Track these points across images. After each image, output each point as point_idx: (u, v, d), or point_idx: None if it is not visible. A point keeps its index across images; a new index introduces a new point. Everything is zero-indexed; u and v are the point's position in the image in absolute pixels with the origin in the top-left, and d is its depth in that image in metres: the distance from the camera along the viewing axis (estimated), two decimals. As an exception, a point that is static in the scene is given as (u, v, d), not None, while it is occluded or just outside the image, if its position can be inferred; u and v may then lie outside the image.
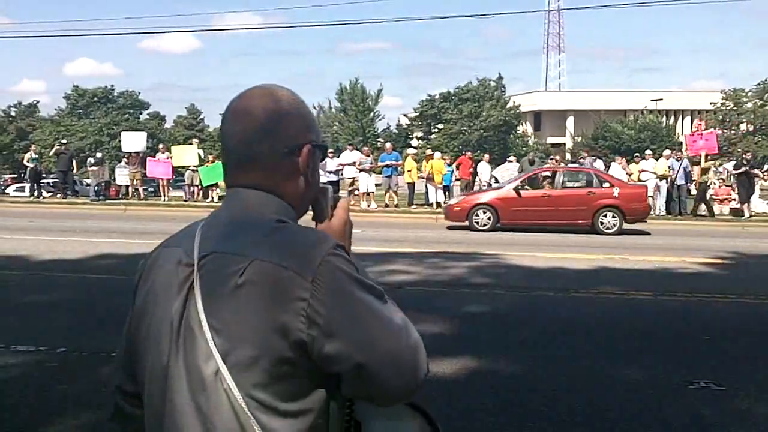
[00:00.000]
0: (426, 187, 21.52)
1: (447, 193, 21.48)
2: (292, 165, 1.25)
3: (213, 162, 21.84)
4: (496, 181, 21.06)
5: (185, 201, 22.10)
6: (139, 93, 59.74)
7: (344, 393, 1.16)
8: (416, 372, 1.15)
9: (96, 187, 22.77)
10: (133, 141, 24.01)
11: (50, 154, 24.87)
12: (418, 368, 1.15)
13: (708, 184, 20.17)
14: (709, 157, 20.37)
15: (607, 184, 16.32)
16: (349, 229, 1.32)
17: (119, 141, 25.03)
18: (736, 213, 20.33)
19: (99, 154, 24.78)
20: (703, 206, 19.97)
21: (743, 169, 19.70)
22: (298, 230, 1.19)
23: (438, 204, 20.57)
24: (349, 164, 20.80)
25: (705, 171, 19.84)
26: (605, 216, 15.65)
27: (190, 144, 24.61)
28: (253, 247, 1.13)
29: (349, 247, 1.28)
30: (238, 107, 1.26)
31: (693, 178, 20.34)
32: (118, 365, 1.33)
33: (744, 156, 20.81)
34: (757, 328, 6.89)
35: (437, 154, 22.35)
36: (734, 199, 21.28)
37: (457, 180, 22.42)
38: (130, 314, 1.28)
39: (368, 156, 21.55)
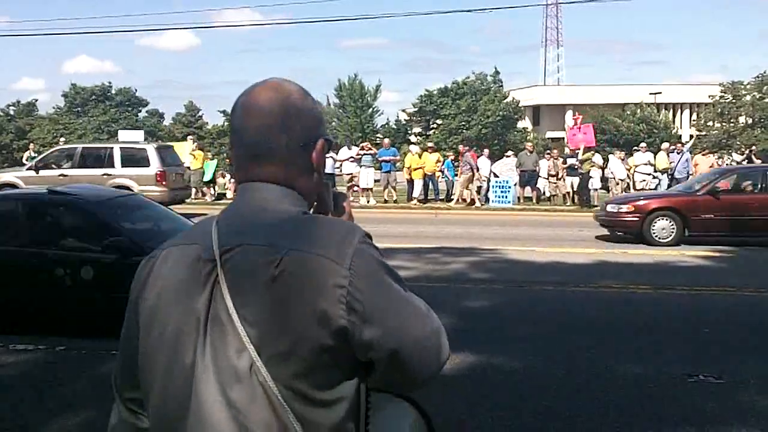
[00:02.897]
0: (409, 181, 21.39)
1: (433, 187, 21.52)
2: (307, 159, 1.25)
3: (211, 159, 21.93)
4: (496, 176, 21.06)
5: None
6: (137, 90, 59.75)
7: (373, 379, 1.17)
8: (439, 356, 1.18)
9: None
10: (131, 139, 23.98)
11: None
12: (442, 353, 1.18)
13: (589, 175, 20.26)
14: (591, 150, 20.51)
15: None
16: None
17: (117, 139, 24.98)
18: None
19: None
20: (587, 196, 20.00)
21: (758, 162, 19.58)
22: (327, 221, 1.23)
23: (425, 200, 20.63)
24: (347, 159, 20.76)
25: (583, 162, 19.96)
26: None
27: (188, 141, 24.60)
28: (285, 239, 1.13)
29: None
30: (252, 102, 1.25)
31: (692, 171, 20.35)
32: (120, 373, 1.28)
33: (751, 150, 20.69)
34: (757, 320, 6.90)
35: (415, 149, 22.39)
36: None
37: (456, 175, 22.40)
38: (132, 318, 1.23)
39: (370, 150, 21.51)
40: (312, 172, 1.27)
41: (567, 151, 24.22)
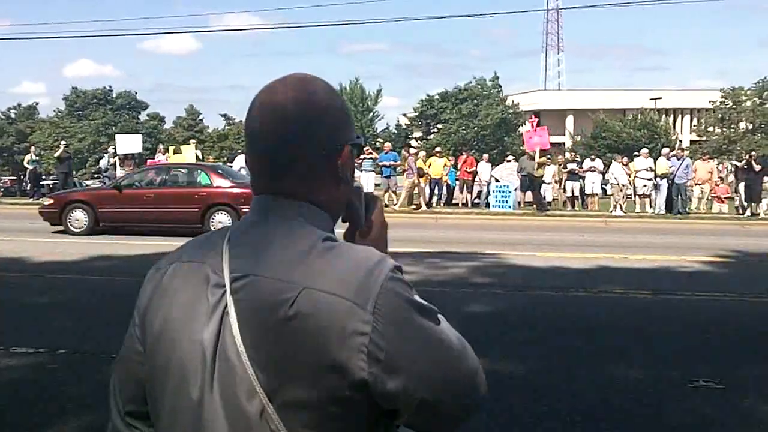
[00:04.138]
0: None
1: (439, 191, 21.55)
2: (332, 168, 1.11)
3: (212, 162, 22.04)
4: (497, 180, 21.09)
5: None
6: (137, 93, 59.84)
7: (400, 425, 1.09)
8: (476, 397, 1.08)
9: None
10: (128, 143, 23.98)
11: (55, 155, 24.88)
12: (478, 392, 1.07)
13: (542, 178, 20.31)
14: (547, 155, 20.69)
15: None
16: (385, 231, 1.24)
17: (115, 142, 24.98)
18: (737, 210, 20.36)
19: (111, 159, 24.38)
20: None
21: (758, 167, 19.52)
22: (351, 251, 1.05)
23: (428, 204, 20.65)
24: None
25: (541, 165, 20.09)
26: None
27: (189, 145, 24.62)
28: (301, 273, 1.00)
29: (386, 248, 1.21)
30: (269, 102, 1.10)
31: (691, 177, 20.37)
32: (119, 389, 1.19)
33: (751, 155, 20.61)
34: (757, 326, 6.89)
35: (421, 153, 22.47)
36: (731, 198, 21.34)
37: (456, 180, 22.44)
38: (136, 334, 1.14)
39: (370, 154, 21.55)
40: (338, 182, 1.13)
41: (568, 155, 24.22)
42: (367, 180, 20.65)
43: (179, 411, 1.06)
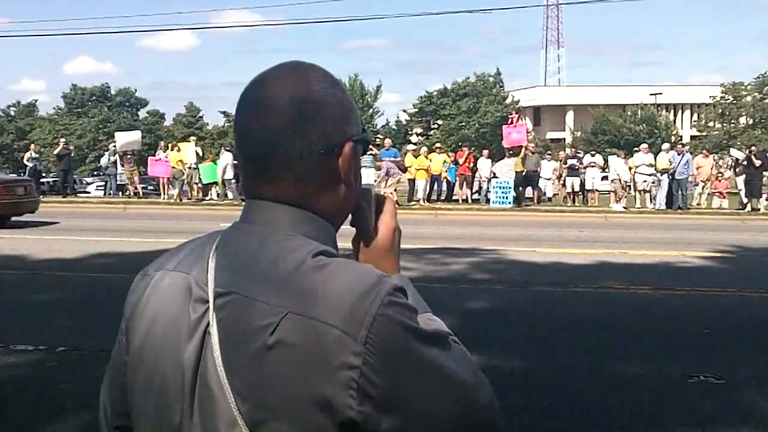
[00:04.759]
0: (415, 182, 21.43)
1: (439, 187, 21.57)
2: (331, 169, 0.98)
3: (212, 161, 21.99)
4: (495, 176, 21.07)
5: (181, 200, 22.06)
6: (136, 90, 59.80)
7: None
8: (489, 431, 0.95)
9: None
10: (127, 139, 23.97)
11: (54, 153, 24.87)
12: (492, 429, 0.94)
13: (523, 174, 20.37)
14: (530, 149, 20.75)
15: None
16: (398, 238, 1.11)
17: (114, 139, 24.97)
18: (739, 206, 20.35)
19: (111, 157, 24.34)
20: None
21: (758, 162, 19.46)
22: (343, 270, 0.91)
23: (427, 199, 20.67)
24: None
25: (523, 160, 20.20)
26: None
27: (189, 142, 24.61)
28: (287, 294, 0.88)
29: (398, 257, 1.11)
30: (259, 96, 0.98)
31: (692, 173, 20.34)
32: (108, 401, 1.12)
33: (751, 150, 20.54)
34: (757, 321, 6.89)
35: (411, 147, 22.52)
36: (732, 193, 21.32)
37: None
38: (124, 343, 1.05)
39: (370, 150, 21.51)
40: (338, 183, 1.00)
41: (568, 151, 24.21)
42: (366, 176, 20.63)
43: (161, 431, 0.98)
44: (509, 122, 22.20)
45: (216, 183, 21.82)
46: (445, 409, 0.89)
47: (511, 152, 20.79)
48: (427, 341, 0.90)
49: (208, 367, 0.92)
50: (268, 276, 0.91)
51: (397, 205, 1.16)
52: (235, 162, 21.97)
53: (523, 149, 20.27)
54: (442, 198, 21.91)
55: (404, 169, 20.61)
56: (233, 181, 20.71)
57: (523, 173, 20.10)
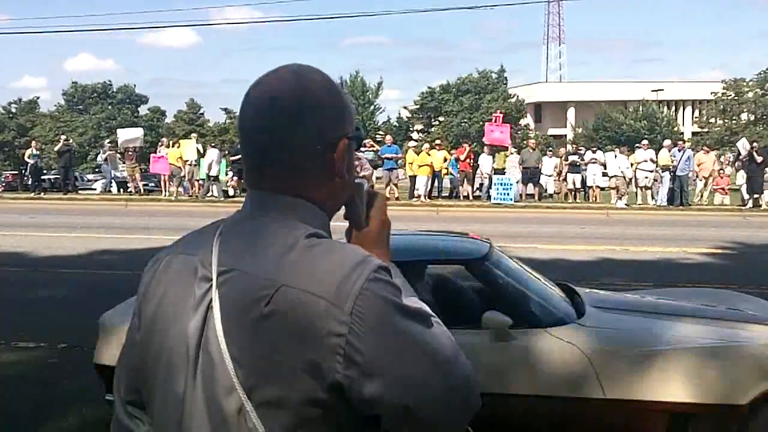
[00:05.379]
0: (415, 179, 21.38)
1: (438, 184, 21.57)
2: (327, 164, 1.09)
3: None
4: (496, 172, 21.07)
5: (177, 198, 22.07)
6: (135, 86, 59.71)
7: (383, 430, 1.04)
8: (466, 410, 1.03)
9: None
10: (129, 136, 24.02)
11: (55, 149, 24.88)
12: (469, 404, 1.03)
13: (504, 171, 20.38)
14: (507, 151, 20.72)
15: None
16: (387, 231, 1.20)
17: (116, 136, 25.04)
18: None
19: (103, 154, 24.43)
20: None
21: (759, 159, 19.42)
22: (333, 249, 1.02)
23: (429, 195, 20.68)
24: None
25: (502, 159, 20.28)
26: None
27: (190, 139, 24.63)
28: (281, 270, 0.98)
29: (388, 249, 1.18)
30: (261, 95, 1.08)
31: (693, 168, 20.31)
32: (122, 377, 1.20)
33: (753, 147, 20.48)
34: (759, 317, 6.88)
35: (426, 146, 22.45)
36: (733, 190, 21.28)
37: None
38: (136, 323, 1.15)
39: (372, 147, 21.51)
40: (333, 176, 1.10)
41: (569, 147, 24.18)
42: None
43: (167, 403, 1.07)
44: (493, 120, 22.16)
45: (217, 179, 21.87)
46: (424, 380, 0.97)
47: (492, 150, 20.68)
48: (409, 316, 0.99)
49: (210, 337, 1.01)
50: (265, 254, 1.01)
51: (387, 200, 1.22)
52: (224, 158, 22.20)
53: (527, 148, 20.15)
54: (444, 194, 21.90)
55: (377, 166, 20.57)
56: (231, 177, 20.69)
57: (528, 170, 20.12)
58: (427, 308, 1.06)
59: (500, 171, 20.75)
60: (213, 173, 21.05)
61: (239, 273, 1.01)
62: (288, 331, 0.96)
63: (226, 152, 23.45)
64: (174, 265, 1.11)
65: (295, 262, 0.99)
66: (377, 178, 21.61)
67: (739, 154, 21.66)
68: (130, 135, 24.26)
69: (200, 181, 22.04)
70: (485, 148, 23.18)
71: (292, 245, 1.01)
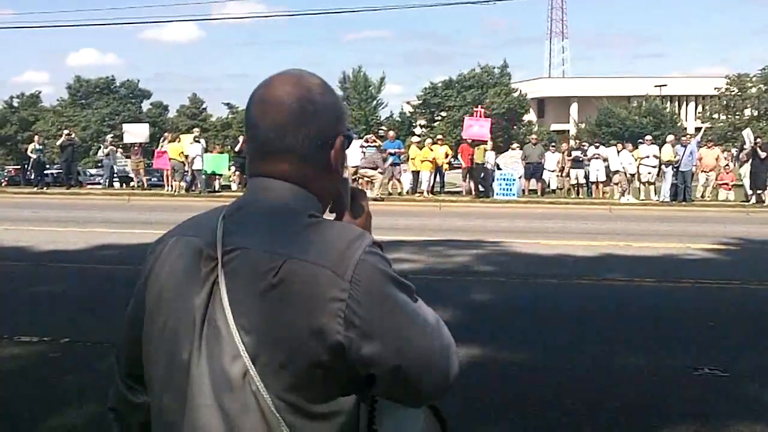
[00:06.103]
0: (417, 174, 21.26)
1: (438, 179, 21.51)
2: (324, 158, 1.21)
3: (219, 152, 22.15)
4: (499, 168, 21.03)
5: (177, 192, 22.02)
6: (139, 81, 59.67)
7: (376, 394, 1.14)
8: (448, 372, 1.14)
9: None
10: (135, 132, 24.11)
11: (57, 144, 24.90)
12: (450, 369, 1.14)
13: (484, 166, 20.14)
14: (486, 145, 20.28)
15: None
16: (369, 222, 1.31)
17: (123, 131, 25.07)
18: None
19: (104, 150, 24.40)
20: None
21: (763, 154, 19.32)
22: (333, 226, 1.16)
23: (431, 191, 20.62)
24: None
25: (481, 153, 19.99)
26: None
27: (190, 134, 24.61)
28: (287, 245, 1.09)
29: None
30: (269, 95, 1.20)
31: (695, 163, 20.24)
32: (122, 352, 1.29)
33: (756, 142, 20.40)
34: (762, 313, 6.87)
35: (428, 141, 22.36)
36: (737, 185, 21.22)
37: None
38: (140, 300, 1.22)
39: (374, 142, 21.44)
40: (329, 171, 1.22)
41: (572, 143, 24.12)
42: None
43: (172, 373, 1.14)
44: (473, 114, 21.99)
45: (221, 175, 21.87)
46: (413, 342, 1.09)
47: (471, 143, 20.41)
48: (399, 287, 1.11)
49: (216, 309, 1.10)
50: (270, 232, 1.11)
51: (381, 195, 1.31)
52: (209, 153, 22.13)
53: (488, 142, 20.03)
54: (447, 190, 21.86)
55: (384, 160, 20.49)
56: (234, 171, 20.61)
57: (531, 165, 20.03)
58: (413, 286, 1.16)
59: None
60: (196, 167, 21.07)
61: (245, 251, 1.10)
62: (295, 299, 1.06)
63: (229, 147, 23.50)
64: (179, 246, 1.19)
65: (299, 237, 1.10)
66: (380, 172, 21.56)
67: (744, 144, 21.56)
68: (136, 130, 24.37)
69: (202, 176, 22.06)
70: (488, 143, 23.14)
71: (296, 223, 1.13)
